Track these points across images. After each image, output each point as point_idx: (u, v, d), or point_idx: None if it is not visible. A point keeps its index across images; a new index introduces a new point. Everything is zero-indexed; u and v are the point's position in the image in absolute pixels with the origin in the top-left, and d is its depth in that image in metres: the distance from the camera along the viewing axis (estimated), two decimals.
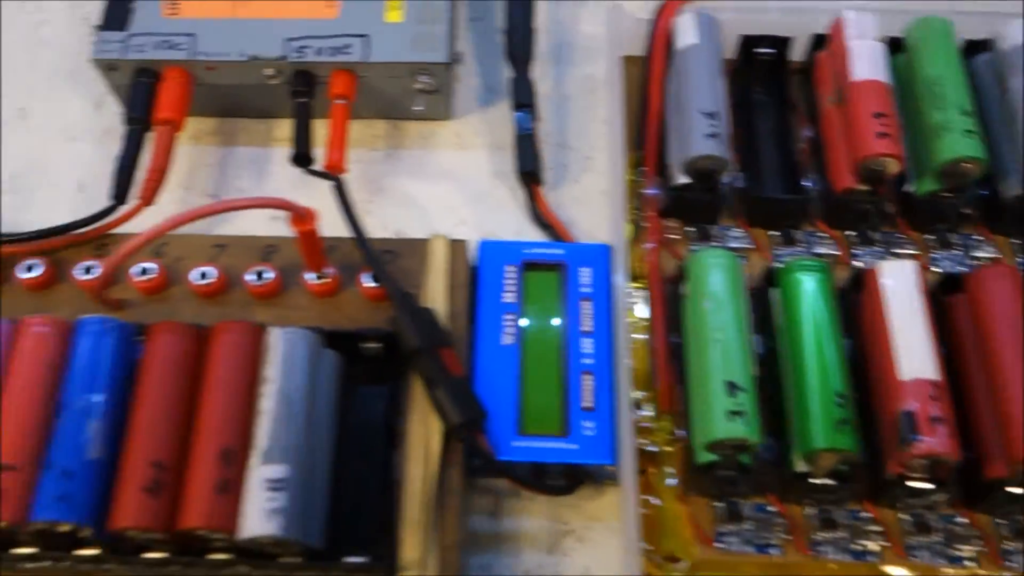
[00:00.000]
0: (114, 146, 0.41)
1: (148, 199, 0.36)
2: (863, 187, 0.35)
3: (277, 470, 0.28)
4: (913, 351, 0.30)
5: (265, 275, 0.34)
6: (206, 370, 0.31)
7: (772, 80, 0.39)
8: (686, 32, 0.37)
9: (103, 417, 0.30)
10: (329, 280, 0.34)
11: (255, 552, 0.29)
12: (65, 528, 0.29)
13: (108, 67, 0.38)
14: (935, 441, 0.28)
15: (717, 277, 0.32)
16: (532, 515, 0.34)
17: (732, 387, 0.30)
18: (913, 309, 0.31)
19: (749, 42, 0.39)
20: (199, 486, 0.29)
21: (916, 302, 0.31)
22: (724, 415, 0.29)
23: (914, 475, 0.30)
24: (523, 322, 0.34)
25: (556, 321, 0.35)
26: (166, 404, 0.30)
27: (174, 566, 0.30)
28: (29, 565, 0.30)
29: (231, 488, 0.29)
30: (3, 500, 0.28)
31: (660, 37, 0.38)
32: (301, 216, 0.30)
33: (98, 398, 0.30)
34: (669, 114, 0.38)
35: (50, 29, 0.45)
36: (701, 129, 0.35)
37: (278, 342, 0.30)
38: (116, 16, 0.39)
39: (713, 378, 0.30)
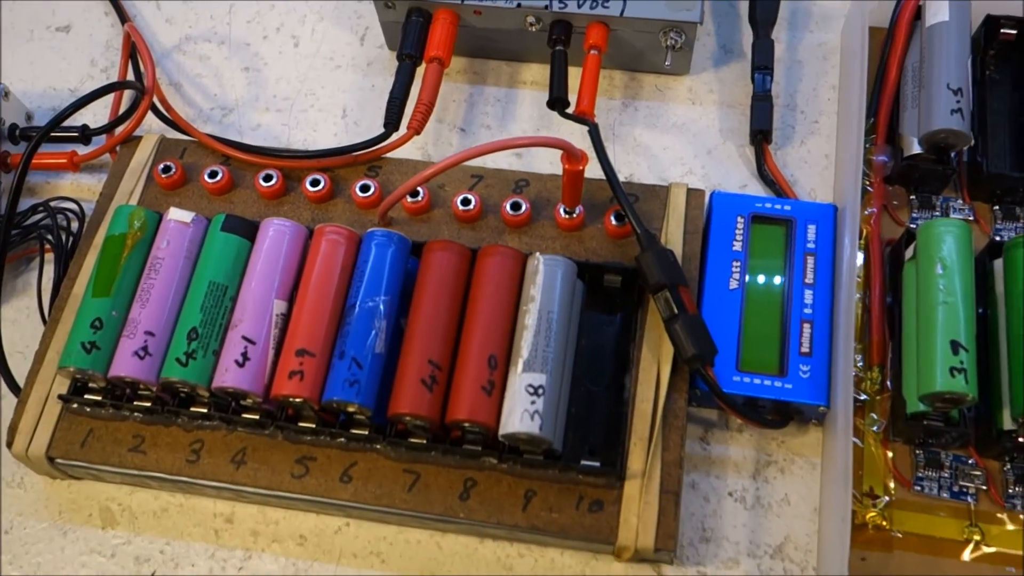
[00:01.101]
0: (375, 76, 0.46)
1: (418, 128, 0.40)
2: None
3: (537, 378, 0.33)
4: None
5: (521, 207, 0.38)
6: (475, 285, 0.35)
7: (1011, 60, 0.40)
8: (938, 9, 0.38)
9: (385, 318, 0.34)
10: (577, 216, 0.38)
11: (504, 447, 0.34)
12: (351, 408, 0.33)
13: (385, 4, 0.43)
14: None
15: (949, 245, 0.34)
16: (738, 445, 0.37)
17: (956, 346, 0.32)
18: None
19: (993, 21, 0.40)
20: (468, 385, 0.33)
21: None
22: (947, 371, 0.32)
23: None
24: (749, 270, 0.37)
25: (780, 271, 0.37)
26: (440, 311, 0.34)
27: (433, 451, 0.34)
28: (308, 438, 0.35)
29: (494, 389, 0.33)
30: (303, 380, 0.33)
31: (906, 10, 0.40)
32: (576, 157, 0.34)
33: (383, 300, 0.34)
34: (905, 86, 0.39)
35: None
36: (947, 104, 0.36)
37: (542, 267, 0.34)
38: None
39: (938, 337, 0.32)
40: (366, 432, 0.35)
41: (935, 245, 0.34)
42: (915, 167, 0.38)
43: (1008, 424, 0.33)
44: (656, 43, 0.42)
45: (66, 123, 0.41)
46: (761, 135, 0.41)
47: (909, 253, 0.36)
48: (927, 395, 0.32)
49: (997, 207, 0.39)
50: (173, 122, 0.43)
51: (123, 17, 0.48)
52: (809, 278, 0.37)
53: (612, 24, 0.41)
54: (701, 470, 0.37)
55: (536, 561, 0.35)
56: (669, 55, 0.41)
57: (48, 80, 0.48)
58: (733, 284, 0.37)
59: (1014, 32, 0.40)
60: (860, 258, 0.38)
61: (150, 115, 0.43)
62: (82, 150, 0.44)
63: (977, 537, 0.33)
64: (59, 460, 0.36)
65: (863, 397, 0.36)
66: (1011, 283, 0.34)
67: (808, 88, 0.44)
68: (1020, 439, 0.33)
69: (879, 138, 0.39)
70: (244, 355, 0.34)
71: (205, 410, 0.35)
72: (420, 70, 0.42)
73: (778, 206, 0.39)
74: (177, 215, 0.37)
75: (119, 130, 0.43)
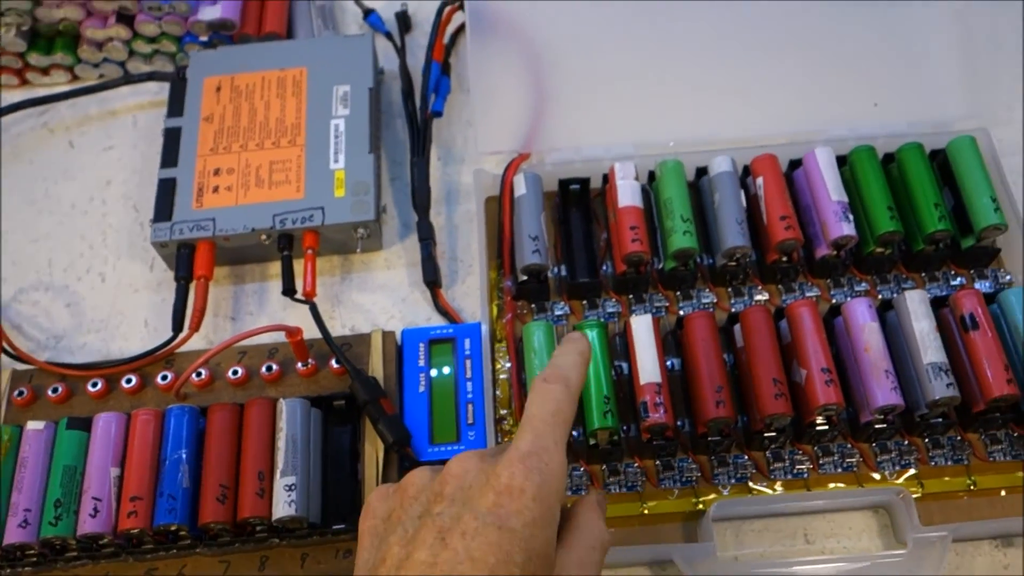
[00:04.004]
0: (165, 293, 0.64)
1: (196, 327, 0.58)
2: (631, 270, 0.57)
3: (291, 479, 0.50)
4: (646, 367, 0.51)
5: (273, 368, 0.56)
6: (245, 428, 0.53)
7: (581, 204, 0.61)
8: (520, 186, 0.59)
9: (187, 463, 0.51)
10: (311, 366, 0.56)
11: (280, 529, 0.51)
12: (173, 527, 0.50)
13: (160, 245, 0.61)
14: (657, 416, 0.50)
15: (537, 338, 0.53)
16: None
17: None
18: (649, 343, 0.52)
19: (564, 182, 0.61)
20: (248, 493, 0.50)
21: (650, 338, 0.52)
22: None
23: (656, 438, 0.51)
24: (431, 377, 0.56)
25: (450, 374, 0.56)
26: (223, 449, 0.52)
27: (236, 543, 0.51)
28: (150, 555, 0.52)
29: (265, 493, 0.50)
30: (138, 516, 0.50)
31: (506, 188, 0.60)
32: (293, 332, 0.52)
33: (184, 451, 0.51)
34: (514, 236, 0.60)
35: (114, 218, 0.67)
36: (529, 247, 0.57)
37: (285, 407, 0.52)
38: (163, 211, 0.61)
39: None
40: (189, 541, 0.51)
41: (529, 339, 0.54)
42: (523, 288, 0.58)
43: (592, 441, 0.52)
44: (352, 235, 0.61)
45: None
46: (431, 283, 0.61)
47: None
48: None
49: (585, 302, 0.59)
50: (19, 357, 0.60)
51: None
52: (469, 375, 0.56)
53: (319, 230, 0.60)
54: None
55: None
56: (360, 243, 0.61)
57: None
58: (421, 388, 0.56)
59: (578, 187, 0.61)
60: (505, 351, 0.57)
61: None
62: None
63: (646, 511, 0.52)
64: None
65: None
66: None
67: (464, 243, 0.64)
68: (599, 447, 0.52)
69: (506, 270, 0.59)
70: (95, 509, 0.50)
71: (76, 553, 0.51)
72: (194, 284, 0.60)
73: (446, 330, 0.58)
74: (32, 426, 0.53)
75: None
